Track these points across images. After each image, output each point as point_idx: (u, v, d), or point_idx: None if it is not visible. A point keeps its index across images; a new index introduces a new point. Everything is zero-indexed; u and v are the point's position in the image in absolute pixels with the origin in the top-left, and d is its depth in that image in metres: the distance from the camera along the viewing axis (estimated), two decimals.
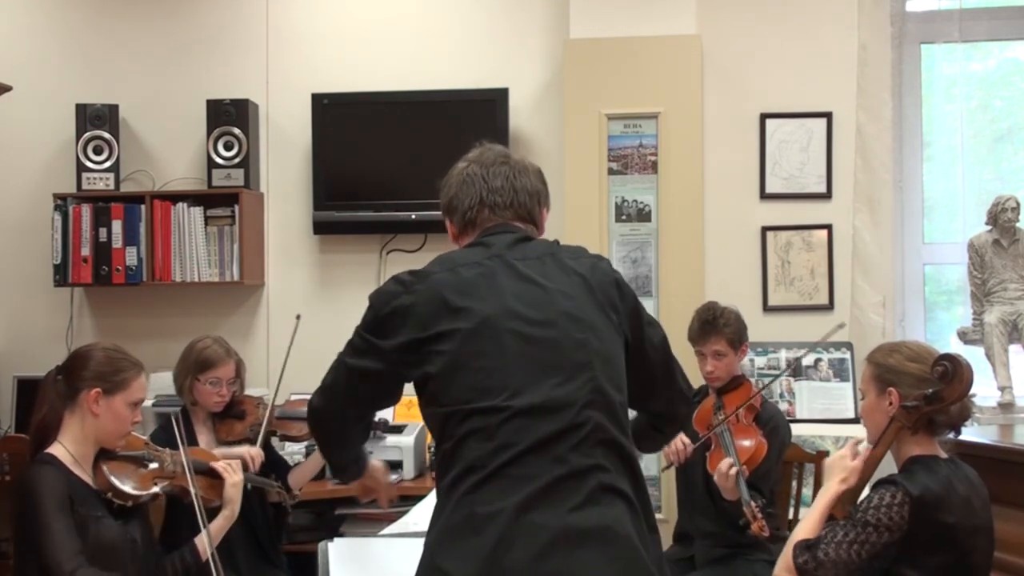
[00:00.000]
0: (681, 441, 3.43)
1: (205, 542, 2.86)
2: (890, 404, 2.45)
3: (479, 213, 2.18)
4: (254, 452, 3.36)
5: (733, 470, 3.21)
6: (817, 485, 3.69)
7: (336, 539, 2.61)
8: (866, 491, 2.43)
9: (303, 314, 4.70)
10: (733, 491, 3.24)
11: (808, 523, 2.44)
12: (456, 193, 2.22)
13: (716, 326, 3.56)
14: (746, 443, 3.37)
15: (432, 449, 4.26)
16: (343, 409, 2.21)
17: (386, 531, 2.90)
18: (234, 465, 3.15)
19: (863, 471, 2.45)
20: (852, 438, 2.57)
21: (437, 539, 1.93)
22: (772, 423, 3.51)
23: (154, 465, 2.89)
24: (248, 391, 3.73)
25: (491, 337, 1.97)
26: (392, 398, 2.18)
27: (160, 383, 4.03)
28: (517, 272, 2.05)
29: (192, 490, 2.82)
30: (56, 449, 2.70)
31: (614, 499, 1.92)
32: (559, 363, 1.97)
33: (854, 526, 2.34)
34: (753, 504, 3.16)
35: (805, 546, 2.38)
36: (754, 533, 3.16)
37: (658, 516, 4.26)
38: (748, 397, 3.51)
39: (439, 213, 2.28)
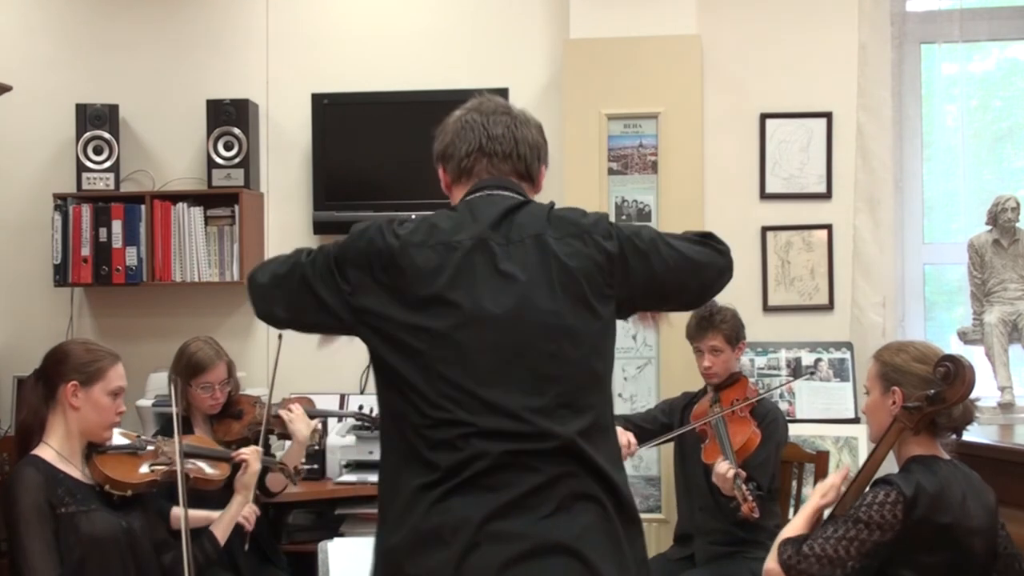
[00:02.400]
0: (627, 439, 3.43)
1: (217, 531, 2.94)
2: (893, 403, 2.45)
3: (476, 162, 2.08)
4: (247, 512, 3.26)
5: (731, 472, 3.23)
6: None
7: (336, 539, 2.62)
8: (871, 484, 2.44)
9: None
10: (731, 490, 3.26)
11: (793, 526, 2.45)
12: (452, 139, 2.10)
13: (713, 322, 3.61)
14: (739, 435, 3.41)
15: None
16: (279, 306, 2.06)
17: None
18: (253, 454, 3.19)
19: (853, 483, 2.46)
20: (843, 469, 2.58)
21: (407, 542, 1.87)
22: (770, 417, 3.55)
23: (149, 454, 2.90)
24: (248, 391, 3.73)
25: (464, 344, 1.89)
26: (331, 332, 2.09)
27: (161, 383, 4.03)
28: (495, 266, 1.93)
29: (178, 468, 2.84)
30: (41, 449, 2.71)
31: (586, 505, 1.88)
32: (529, 376, 1.89)
33: (845, 522, 2.34)
34: (744, 487, 3.18)
35: (791, 541, 2.38)
36: (744, 515, 3.18)
37: (658, 516, 4.32)
38: (745, 392, 3.55)
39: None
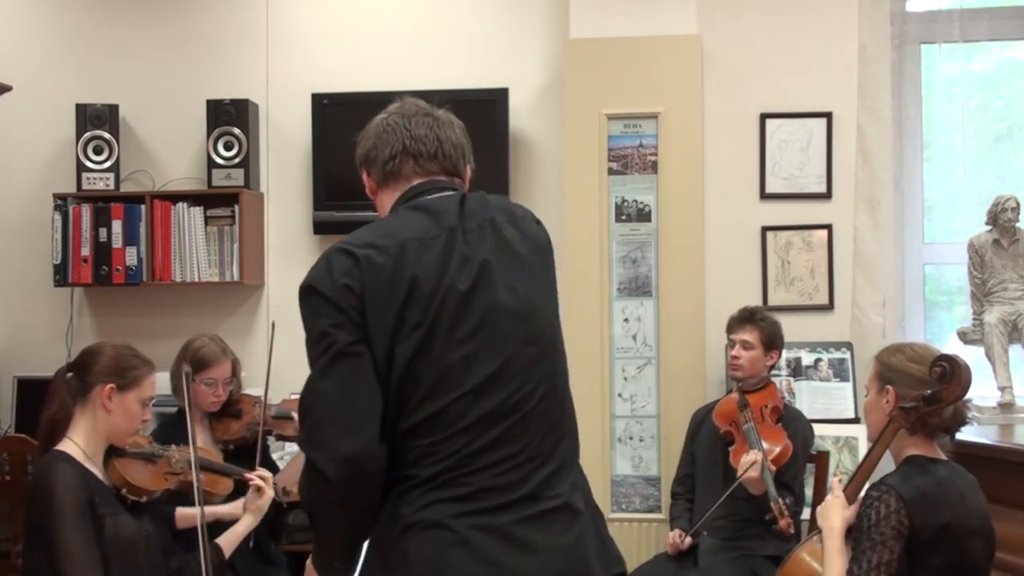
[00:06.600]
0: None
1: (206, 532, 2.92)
2: (887, 402, 2.46)
3: (402, 164, 2.06)
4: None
5: (758, 456, 3.31)
6: (818, 485, 3.69)
7: None
8: (864, 493, 2.44)
9: None
10: (759, 485, 3.29)
11: (835, 567, 2.40)
12: (375, 143, 2.08)
13: (753, 318, 3.76)
14: (774, 445, 3.46)
15: None
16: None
17: None
18: (268, 481, 3.20)
19: (850, 484, 2.47)
20: (835, 481, 2.57)
21: None
22: (795, 425, 3.62)
23: (163, 462, 2.91)
24: (247, 391, 3.73)
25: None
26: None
27: (161, 383, 4.01)
28: (462, 254, 1.94)
29: (195, 484, 2.83)
30: (67, 445, 2.69)
31: None
32: None
33: (870, 550, 2.31)
34: (781, 501, 3.24)
35: None
36: (781, 530, 3.24)
37: (658, 516, 4.30)
38: (774, 399, 3.63)
39: None
